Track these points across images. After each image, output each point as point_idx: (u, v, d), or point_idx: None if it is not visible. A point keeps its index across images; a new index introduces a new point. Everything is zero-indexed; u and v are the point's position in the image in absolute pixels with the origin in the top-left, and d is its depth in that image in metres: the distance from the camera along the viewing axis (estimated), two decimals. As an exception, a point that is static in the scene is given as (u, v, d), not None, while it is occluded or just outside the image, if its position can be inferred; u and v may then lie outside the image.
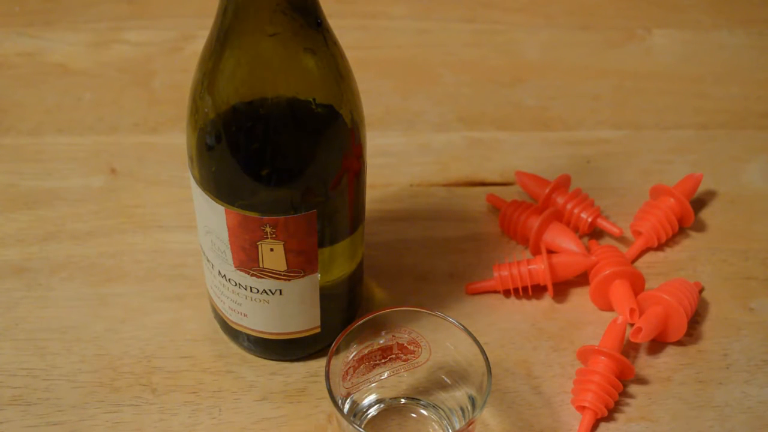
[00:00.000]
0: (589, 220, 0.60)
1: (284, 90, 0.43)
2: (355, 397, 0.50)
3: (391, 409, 0.51)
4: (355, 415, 0.50)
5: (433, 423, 0.50)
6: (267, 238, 0.46)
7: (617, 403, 0.52)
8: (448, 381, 0.50)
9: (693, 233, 0.63)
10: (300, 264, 0.47)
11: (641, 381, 0.54)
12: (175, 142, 0.68)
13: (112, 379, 0.53)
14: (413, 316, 0.49)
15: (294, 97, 0.43)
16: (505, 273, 0.57)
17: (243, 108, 0.43)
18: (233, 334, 0.54)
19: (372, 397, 0.51)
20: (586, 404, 0.51)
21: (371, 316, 0.48)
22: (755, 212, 0.65)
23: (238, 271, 0.48)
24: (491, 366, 0.46)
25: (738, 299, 0.59)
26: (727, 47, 0.80)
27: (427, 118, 0.72)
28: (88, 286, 0.58)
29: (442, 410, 0.50)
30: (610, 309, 0.57)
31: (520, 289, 0.57)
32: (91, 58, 0.76)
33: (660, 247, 0.61)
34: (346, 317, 0.54)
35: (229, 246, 0.47)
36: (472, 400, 0.48)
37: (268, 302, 0.49)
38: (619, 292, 0.56)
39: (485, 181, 0.66)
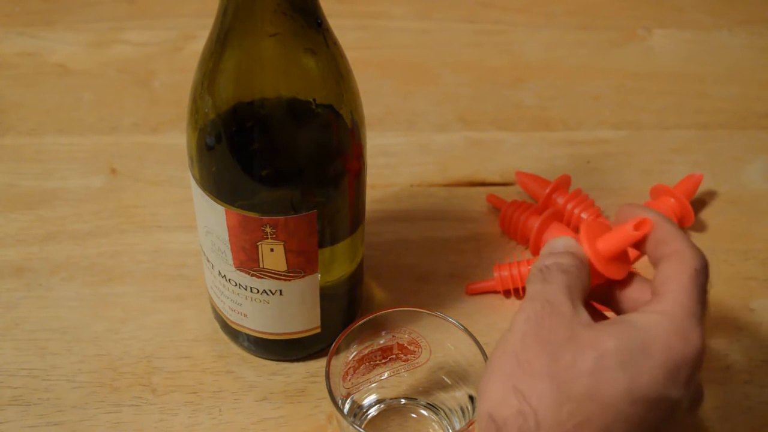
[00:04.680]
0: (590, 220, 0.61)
1: (284, 90, 0.43)
2: (355, 397, 0.50)
3: (391, 409, 0.51)
4: (355, 416, 0.50)
5: (433, 423, 0.50)
6: (267, 238, 0.46)
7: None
8: (448, 381, 0.50)
9: (693, 233, 0.63)
10: (300, 264, 0.47)
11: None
12: (175, 142, 0.68)
13: (112, 379, 0.53)
14: (413, 316, 0.49)
15: (294, 97, 0.43)
16: (505, 273, 0.57)
17: (243, 108, 0.43)
18: (233, 334, 0.54)
19: (372, 398, 0.51)
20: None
21: (371, 316, 0.48)
22: (755, 212, 0.65)
23: (238, 272, 0.48)
24: (491, 366, 0.46)
25: (738, 299, 0.59)
26: (727, 47, 0.80)
27: (427, 118, 0.72)
28: (88, 286, 0.58)
29: (442, 410, 0.50)
30: (608, 309, 0.57)
31: (521, 290, 0.57)
32: (91, 58, 0.76)
33: (660, 247, 0.61)
34: (346, 317, 0.54)
35: (229, 246, 0.47)
36: (473, 401, 0.48)
37: (268, 302, 0.49)
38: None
39: (485, 181, 0.66)
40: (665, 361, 0.35)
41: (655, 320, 0.36)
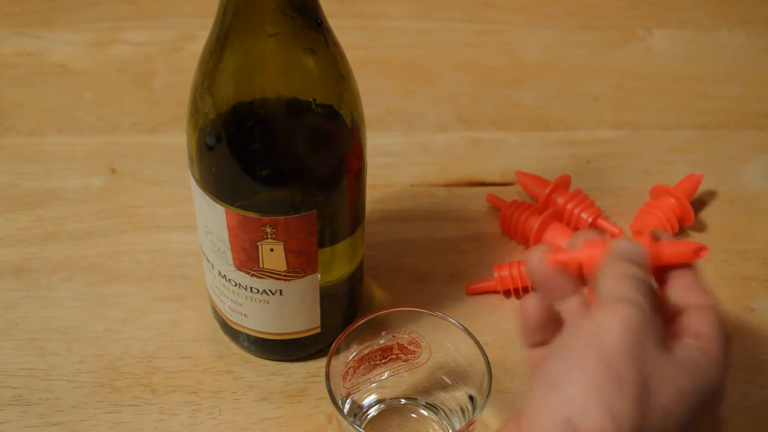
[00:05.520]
0: (590, 220, 0.61)
1: (284, 90, 0.43)
2: (355, 397, 0.50)
3: (391, 409, 0.51)
4: (355, 416, 0.50)
5: (433, 423, 0.50)
6: (267, 238, 0.46)
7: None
8: (448, 381, 0.50)
9: (693, 233, 0.63)
10: (300, 264, 0.47)
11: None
12: (175, 142, 0.68)
13: (112, 379, 0.53)
14: (413, 316, 0.49)
15: (294, 97, 0.43)
16: (505, 273, 0.57)
17: (243, 108, 0.43)
18: (233, 334, 0.54)
19: (372, 398, 0.51)
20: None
21: (371, 316, 0.48)
22: (755, 212, 0.65)
23: (238, 272, 0.48)
24: (491, 366, 0.46)
25: (738, 299, 0.59)
26: (727, 47, 0.80)
27: (427, 118, 0.72)
28: (88, 286, 0.58)
29: (442, 410, 0.50)
30: None
31: (521, 289, 0.57)
32: (91, 58, 0.76)
33: (660, 247, 0.61)
34: (346, 317, 0.54)
35: (229, 246, 0.47)
36: (473, 401, 0.48)
37: (268, 302, 0.49)
38: None
39: (485, 181, 0.66)
40: (710, 409, 0.38)
41: (717, 370, 0.38)
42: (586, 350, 0.36)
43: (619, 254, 0.40)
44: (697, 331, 0.39)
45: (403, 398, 0.51)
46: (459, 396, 0.50)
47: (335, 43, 0.44)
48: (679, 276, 0.41)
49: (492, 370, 0.46)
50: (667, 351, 0.37)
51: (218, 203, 0.45)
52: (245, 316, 0.51)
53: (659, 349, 0.37)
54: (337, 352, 0.47)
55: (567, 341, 0.38)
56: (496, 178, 0.67)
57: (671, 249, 0.41)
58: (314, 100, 0.44)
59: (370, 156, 0.51)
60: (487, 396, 0.45)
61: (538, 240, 0.59)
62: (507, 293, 0.58)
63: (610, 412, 0.35)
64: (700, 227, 0.63)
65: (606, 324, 0.37)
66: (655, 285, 0.40)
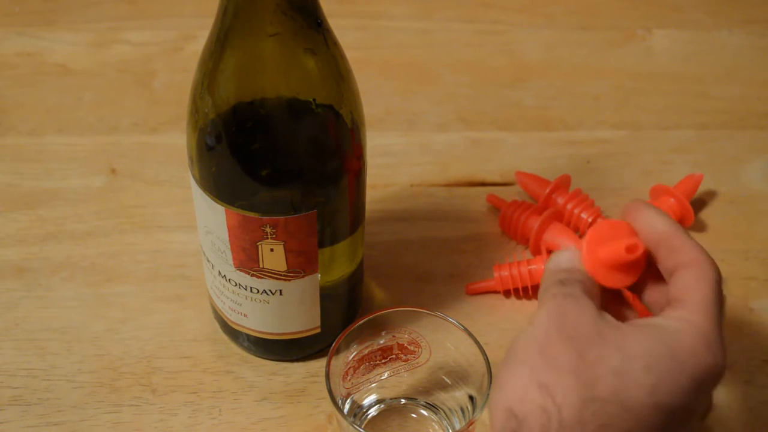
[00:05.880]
0: (590, 220, 0.61)
1: (284, 90, 0.43)
2: (355, 397, 0.50)
3: (391, 409, 0.51)
4: (355, 416, 0.50)
5: (433, 423, 0.50)
6: (267, 238, 0.46)
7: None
8: (448, 381, 0.50)
9: (693, 233, 0.63)
10: (300, 264, 0.47)
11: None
12: (175, 142, 0.68)
13: (112, 379, 0.53)
14: (413, 316, 0.49)
15: (294, 97, 0.43)
16: (505, 273, 0.57)
17: (243, 108, 0.43)
18: (233, 334, 0.54)
19: (372, 398, 0.51)
20: None
21: (371, 316, 0.48)
22: (755, 212, 0.65)
23: (238, 272, 0.48)
24: (491, 366, 0.46)
25: (738, 299, 0.59)
26: (727, 47, 0.80)
27: (427, 118, 0.72)
28: (88, 286, 0.58)
29: (443, 410, 0.50)
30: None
31: (521, 290, 0.57)
32: (91, 58, 0.76)
33: (660, 247, 0.61)
34: (346, 317, 0.54)
35: (229, 246, 0.47)
36: (473, 401, 0.48)
37: (268, 302, 0.49)
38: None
39: (485, 181, 0.66)
40: (692, 371, 0.35)
41: (681, 327, 0.36)
42: (523, 347, 0.37)
43: (550, 268, 0.40)
44: (675, 297, 0.37)
45: (403, 398, 0.51)
46: (459, 396, 0.50)
47: (335, 43, 0.44)
48: (664, 243, 0.39)
49: (492, 370, 0.46)
50: (614, 323, 0.36)
51: (218, 203, 0.45)
52: (245, 316, 0.51)
53: (595, 319, 0.36)
54: (337, 352, 0.47)
55: (510, 348, 0.38)
56: (496, 178, 0.67)
57: (607, 249, 0.39)
58: (314, 100, 0.44)
59: (370, 156, 0.51)
60: (487, 396, 0.45)
61: (538, 240, 0.59)
62: (507, 293, 0.58)
63: (546, 390, 0.34)
64: (700, 227, 0.63)
65: (535, 321, 0.37)
66: (584, 277, 0.39)
